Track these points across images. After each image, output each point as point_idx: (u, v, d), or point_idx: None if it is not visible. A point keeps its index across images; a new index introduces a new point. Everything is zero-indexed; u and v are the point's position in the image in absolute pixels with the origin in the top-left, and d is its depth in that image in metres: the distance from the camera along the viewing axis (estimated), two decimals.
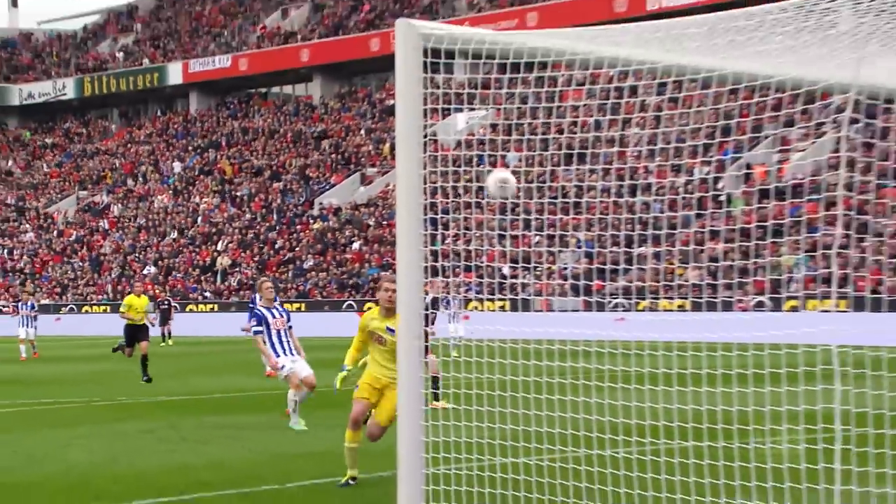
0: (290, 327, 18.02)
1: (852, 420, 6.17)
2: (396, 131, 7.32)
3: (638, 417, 9.00)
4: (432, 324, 19.68)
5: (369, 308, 13.39)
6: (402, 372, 7.56)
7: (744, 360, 8.54)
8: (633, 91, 9.42)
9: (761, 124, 8.64)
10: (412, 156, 7.39)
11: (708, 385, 8.61)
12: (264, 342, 17.69)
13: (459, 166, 10.72)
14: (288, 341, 17.78)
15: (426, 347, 18.89)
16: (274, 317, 17.85)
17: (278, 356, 17.66)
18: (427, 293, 19.94)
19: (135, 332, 28.17)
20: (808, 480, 6.32)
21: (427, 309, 20.05)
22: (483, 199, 10.63)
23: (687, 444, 9.13)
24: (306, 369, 17.65)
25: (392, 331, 11.91)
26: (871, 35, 6.75)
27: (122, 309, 28.97)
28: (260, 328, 17.75)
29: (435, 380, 18.89)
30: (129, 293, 31.73)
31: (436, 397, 17.92)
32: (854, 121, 7.54)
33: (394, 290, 11.75)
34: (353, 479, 12.85)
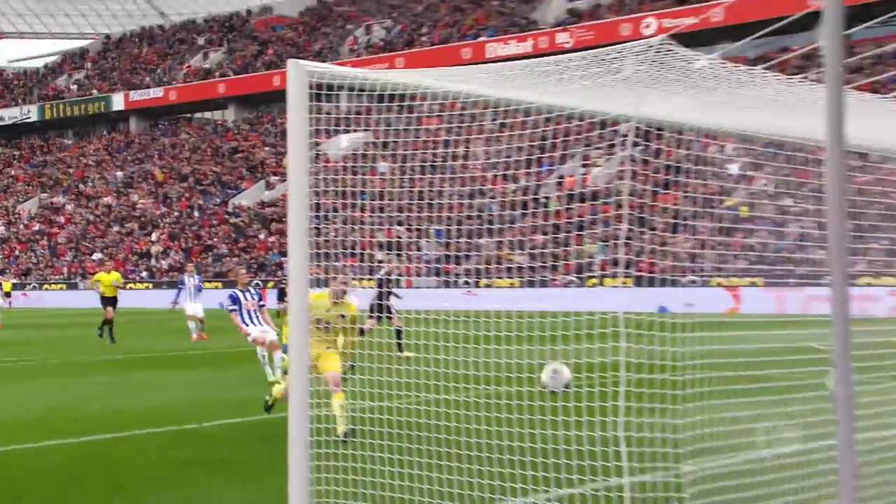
0: (262, 306, 17.40)
1: (633, 368, 6.30)
2: (288, 147, 7.23)
3: (475, 369, 8.98)
4: (388, 296, 19.73)
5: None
6: (292, 340, 7.47)
7: (555, 324, 8.64)
8: (474, 118, 9.45)
9: (570, 144, 8.76)
10: (301, 166, 7.32)
11: (528, 343, 8.70)
12: (237, 316, 17.07)
13: (339, 174, 10.67)
14: (257, 317, 17.18)
15: (390, 316, 19.37)
16: (246, 298, 17.25)
17: (248, 326, 17.07)
18: (380, 270, 20.25)
19: (106, 302, 27.81)
20: (599, 414, 6.45)
21: (381, 285, 20.36)
22: (359, 200, 10.59)
23: (511, 389, 9.25)
24: (272, 334, 17.03)
25: (343, 317, 11.26)
26: (646, 80, 6.89)
27: (91, 282, 28.71)
28: (234, 307, 17.12)
29: (399, 332, 18.91)
30: (99, 271, 31.39)
31: (399, 347, 17.99)
32: (636, 143, 7.67)
33: (342, 283, 11.20)
34: (276, 402, 12.30)
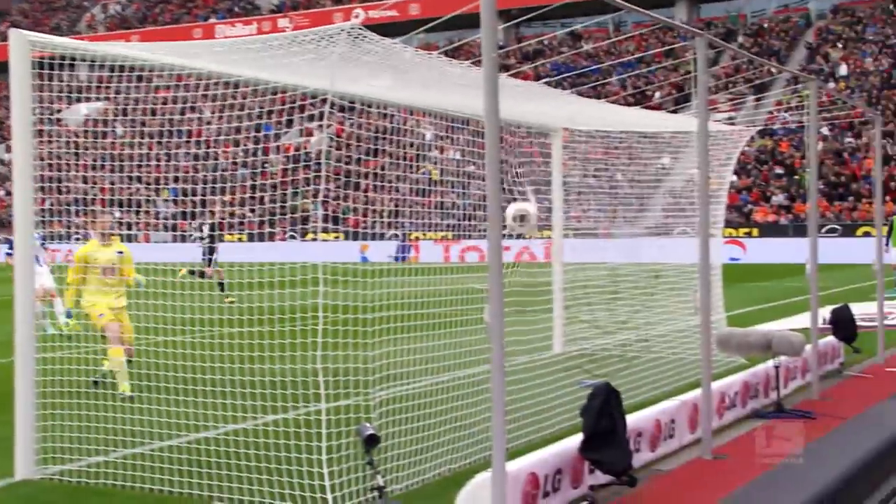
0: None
1: (330, 310, 6.32)
2: (12, 112, 6.65)
3: (210, 313, 8.63)
4: (211, 252, 18.98)
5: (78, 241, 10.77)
6: (18, 290, 6.93)
7: (272, 272, 8.45)
8: (207, 87, 9.05)
9: (293, 115, 8.58)
10: (24, 129, 6.78)
11: (246, 289, 8.51)
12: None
13: (78, 138, 10.07)
14: (41, 262, 15.68)
15: (213, 260, 18.85)
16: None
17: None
18: (204, 227, 19.47)
19: None
20: (301, 349, 6.44)
21: (213, 229, 19.55)
22: (98, 162, 9.95)
23: (234, 330, 9.08)
24: (50, 281, 15.00)
25: (121, 253, 9.84)
26: (354, 61, 6.86)
27: None
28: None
29: (221, 284, 18.05)
30: None
31: (222, 287, 17.08)
32: (344, 117, 7.64)
33: (104, 222, 9.90)
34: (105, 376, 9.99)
